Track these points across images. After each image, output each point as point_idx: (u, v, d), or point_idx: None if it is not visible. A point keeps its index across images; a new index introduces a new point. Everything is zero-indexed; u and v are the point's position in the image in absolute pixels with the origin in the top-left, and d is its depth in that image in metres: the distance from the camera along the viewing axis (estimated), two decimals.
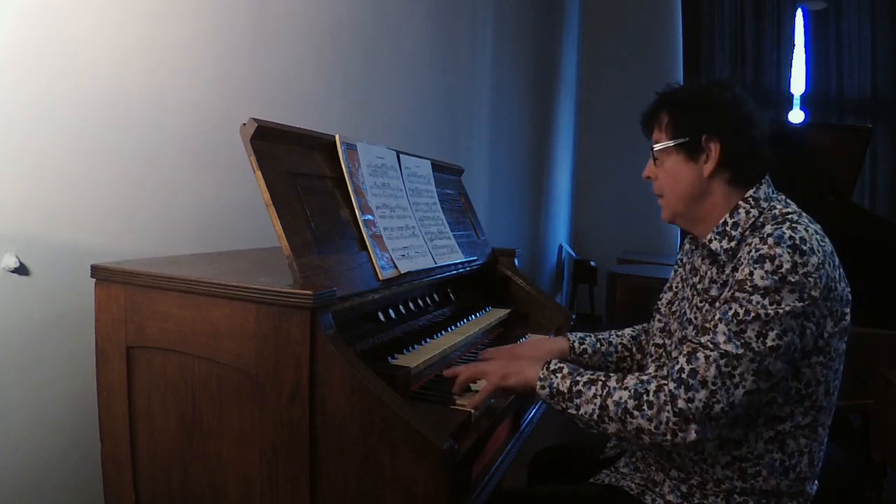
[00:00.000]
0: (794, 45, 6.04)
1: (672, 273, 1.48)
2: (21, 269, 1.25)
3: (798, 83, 6.05)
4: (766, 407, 1.16)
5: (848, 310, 1.18)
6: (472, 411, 1.16)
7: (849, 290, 1.18)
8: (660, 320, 1.45)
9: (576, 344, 1.53)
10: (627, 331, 1.60)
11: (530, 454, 1.68)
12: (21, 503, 1.29)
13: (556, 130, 5.92)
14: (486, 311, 1.82)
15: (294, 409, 1.02)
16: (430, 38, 3.02)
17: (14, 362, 1.26)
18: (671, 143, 1.26)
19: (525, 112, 4.88)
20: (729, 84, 1.26)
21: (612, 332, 1.60)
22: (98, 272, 1.19)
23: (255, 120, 1.14)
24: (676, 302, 1.41)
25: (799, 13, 6.01)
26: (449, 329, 1.54)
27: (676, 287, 1.44)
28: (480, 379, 1.25)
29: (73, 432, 1.36)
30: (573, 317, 1.95)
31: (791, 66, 6.03)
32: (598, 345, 1.56)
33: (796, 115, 6.03)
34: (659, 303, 1.48)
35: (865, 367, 2.49)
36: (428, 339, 1.42)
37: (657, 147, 1.29)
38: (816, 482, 1.26)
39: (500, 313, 1.83)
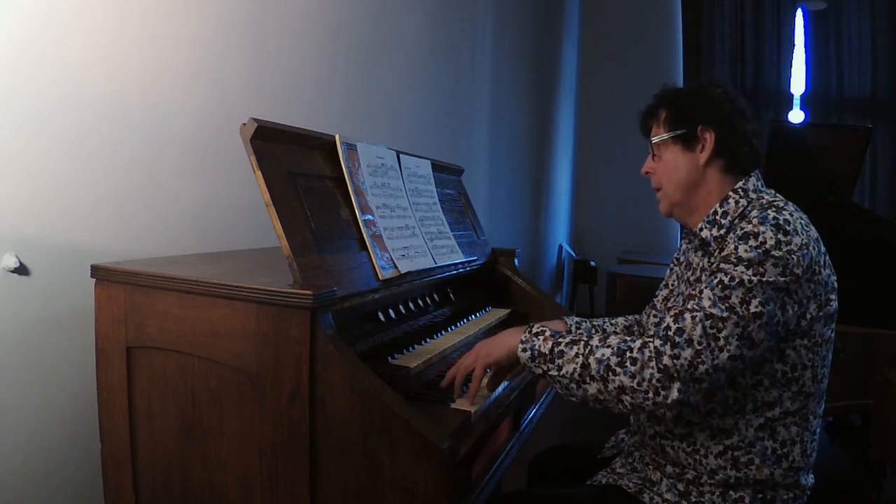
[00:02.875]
0: (794, 45, 6.04)
1: (668, 271, 1.50)
2: (21, 269, 1.25)
3: (798, 83, 6.06)
4: (753, 391, 1.18)
5: (834, 297, 1.20)
6: (472, 411, 1.17)
7: (834, 278, 1.21)
8: (655, 315, 1.47)
9: (573, 328, 1.54)
10: (620, 320, 1.62)
11: (530, 454, 1.68)
12: (22, 503, 1.29)
13: (556, 130, 5.93)
14: (486, 311, 1.82)
15: (294, 409, 1.02)
16: (430, 38, 3.02)
17: (14, 362, 1.26)
18: (669, 135, 1.31)
19: (525, 112, 4.88)
20: (721, 82, 1.33)
21: (607, 321, 1.62)
22: (98, 272, 1.19)
23: (255, 120, 1.14)
24: (672, 298, 1.42)
25: (799, 13, 6.02)
26: (449, 329, 1.54)
27: (672, 284, 1.46)
28: (471, 369, 1.24)
29: (73, 432, 1.36)
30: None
31: (791, 66, 6.03)
32: (594, 331, 1.56)
33: (796, 115, 6.03)
34: (655, 299, 1.50)
35: (865, 367, 2.49)
36: (428, 339, 1.42)
37: (656, 140, 1.34)
38: (812, 474, 1.27)
39: (500, 313, 1.83)
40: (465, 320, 1.65)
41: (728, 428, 1.20)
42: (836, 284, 1.21)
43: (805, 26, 6.01)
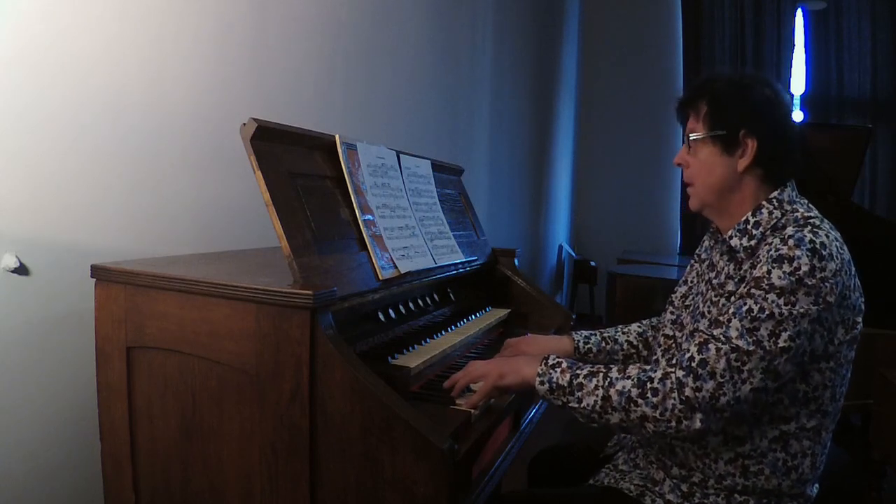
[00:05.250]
0: (794, 45, 6.04)
1: (688, 268, 1.46)
2: (21, 269, 1.25)
3: (798, 83, 6.06)
4: (773, 407, 1.17)
5: (860, 319, 1.18)
6: (472, 412, 1.17)
7: (863, 300, 1.19)
8: (672, 312, 1.44)
9: (580, 344, 1.52)
10: (634, 326, 1.58)
11: (530, 454, 1.68)
12: (22, 503, 1.29)
13: (556, 130, 5.92)
14: (486, 311, 1.82)
15: (294, 409, 1.02)
16: (431, 38, 3.02)
17: (14, 362, 1.26)
18: (708, 134, 1.25)
19: (525, 112, 4.88)
20: (770, 81, 1.25)
21: (619, 329, 1.58)
22: (98, 272, 1.19)
23: (255, 120, 1.14)
24: (691, 296, 1.40)
25: (799, 13, 6.02)
26: (449, 329, 1.54)
27: (692, 282, 1.42)
28: (478, 381, 1.25)
29: (73, 432, 1.36)
30: (573, 316, 1.95)
31: (791, 66, 6.03)
32: (604, 343, 1.54)
33: (796, 115, 6.01)
34: (673, 296, 1.46)
35: (865, 367, 2.49)
36: (428, 339, 1.42)
37: (693, 136, 1.27)
38: (817, 485, 1.26)
39: (500, 313, 1.83)
40: (465, 320, 1.65)
41: (742, 436, 1.19)
42: (863, 306, 1.19)
43: (805, 26, 6.01)
